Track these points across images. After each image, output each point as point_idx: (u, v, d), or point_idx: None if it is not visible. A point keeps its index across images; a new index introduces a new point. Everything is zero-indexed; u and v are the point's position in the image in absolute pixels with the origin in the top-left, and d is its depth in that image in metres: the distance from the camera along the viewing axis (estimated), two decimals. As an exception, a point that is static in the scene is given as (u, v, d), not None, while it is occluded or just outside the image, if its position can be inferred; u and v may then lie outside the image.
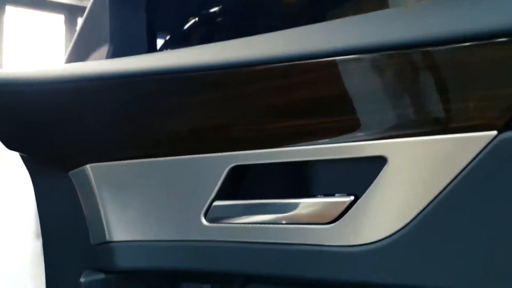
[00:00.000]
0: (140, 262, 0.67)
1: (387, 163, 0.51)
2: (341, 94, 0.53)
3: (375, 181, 0.51)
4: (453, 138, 0.48)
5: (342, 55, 0.52)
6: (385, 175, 0.51)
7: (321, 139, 0.55)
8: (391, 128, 0.51)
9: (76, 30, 0.91)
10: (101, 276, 0.70)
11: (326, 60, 0.53)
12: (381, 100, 0.52)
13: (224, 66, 0.60)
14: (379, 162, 0.52)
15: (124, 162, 0.69)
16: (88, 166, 0.72)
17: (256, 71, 0.58)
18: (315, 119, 0.55)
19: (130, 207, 0.68)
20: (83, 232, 0.74)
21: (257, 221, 0.60)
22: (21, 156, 0.84)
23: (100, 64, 0.69)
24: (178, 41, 0.91)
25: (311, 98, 0.55)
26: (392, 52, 0.50)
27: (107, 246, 0.69)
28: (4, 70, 0.73)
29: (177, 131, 0.64)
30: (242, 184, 0.64)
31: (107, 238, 0.69)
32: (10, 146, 0.78)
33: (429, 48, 0.48)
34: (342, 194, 0.55)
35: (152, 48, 0.82)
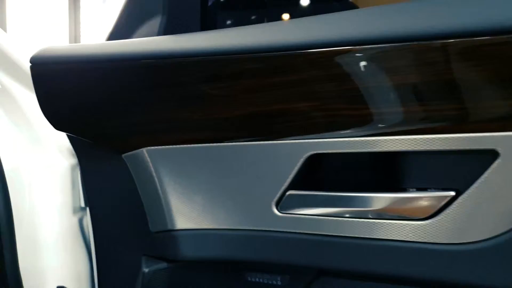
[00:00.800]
0: (205, 252, 0.64)
1: (499, 157, 0.46)
2: (449, 79, 0.47)
3: (483, 176, 0.46)
4: None
5: (437, 39, 0.46)
6: (496, 170, 0.46)
7: (420, 128, 0.50)
8: (506, 119, 0.46)
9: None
10: (164, 265, 0.67)
11: (431, 43, 0.47)
12: (493, 87, 0.46)
13: (301, 46, 0.54)
14: (487, 156, 0.47)
15: (186, 146, 0.65)
16: (145, 149, 0.67)
17: (341, 52, 0.52)
18: (414, 106, 0.50)
19: (194, 194, 0.64)
20: (139, 217, 0.71)
21: (337, 214, 0.56)
22: (68, 136, 0.80)
23: (161, 41, 0.63)
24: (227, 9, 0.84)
25: (407, 83, 0.50)
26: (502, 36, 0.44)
27: (169, 234, 0.65)
28: (55, 45, 0.68)
29: (248, 115, 0.59)
30: (319, 173, 0.60)
31: (169, 226, 0.65)
32: (58, 126, 0.74)
33: None
34: (438, 189, 0.50)
35: (205, 20, 0.76)
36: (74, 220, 0.94)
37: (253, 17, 0.84)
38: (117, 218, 0.75)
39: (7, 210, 0.84)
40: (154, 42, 0.64)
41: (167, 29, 0.73)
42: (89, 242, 0.95)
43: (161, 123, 0.65)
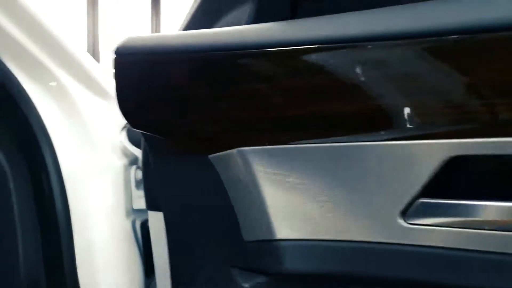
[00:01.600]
0: (312, 265, 0.57)
1: None
2: None
3: None
4: None
5: None
6: None
7: None
8: None
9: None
10: (262, 278, 0.60)
11: None
12: None
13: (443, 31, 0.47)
14: None
15: (289, 146, 0.57)
16: (238, 149, 0.60)
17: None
18: None
19: (299, 201, 0.57)
20: (227, 224, 0.64)
21: (484, 226, 0.48)
22: (144, 135, 0.73)
23: (262, 30, 0.56)
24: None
25: None
26: None
27: (268, 245, 0.58)
28: (141, 35, 0.61)
29: (367, 110, 0.52)
30: (456, 179, 0.52)
31: (268, 235, 0.58)
32: (137, 124, 0.67)
33: None
34: None
35: (296, 7, 0.69)
36: (127, 223, 0.89)
37: (343, 4, 0.76)
38: (198, 224, 0.68)
39: (65, 210, 0.81)
40: (253, 30, 0.57)
41: (257, 18, 0.66)
42: (141, 245, 0.90)
43: (259, 120, 0.58)
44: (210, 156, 0.64)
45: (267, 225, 0.58)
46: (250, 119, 0.59)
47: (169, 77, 0.59)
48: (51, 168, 0.83)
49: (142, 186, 0.90)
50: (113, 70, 0.62)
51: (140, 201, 0.89)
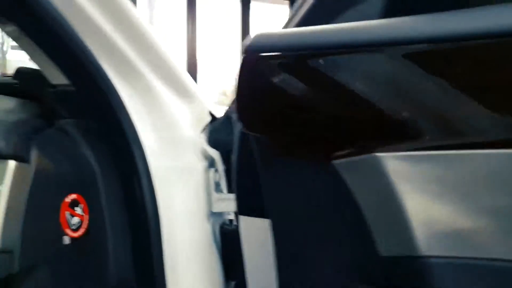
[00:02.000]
0: (465, 286, 0.51)
1: None
2: None
3: None
4: None
5: None
6: None
7: None
8: None
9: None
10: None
11: None
12: None
13: None
14: None
15: (434, 152, 0.52)
16: (371, 155, 0.54)
17: None
18: None
19: (453, 213, 0.51)
20: (354, 236, 0.59)
21: None
22: (255, 138, 0.69)
23: (416, 22, 0.51)
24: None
25: None
26: None
27: (412, 261, 0.53)
28: (274, 30, 0.57)
29: None
30: None
31: (413, 251, 0.53)
32: (255, 127, 0.63)
33: None
34: None
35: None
36: (208, 226, 0.87)
37: None
38: (320, 236, 0.63)
39: (155, 213, 0.79)
40: (415, 22, 0.51)
41: (390, 10, 0.61)
42: (220, 249, 0.87)
43: (397, 123, 0.53)
44: (335, 162, 0.58)
45: (412, 239, 0.52)
46: (390, 122, 0.53)
47: (306, 77, 0.54)
48: (141, 170, 0.81)
49: (220, 189, 0.88)
50: (239, 69, 0.57)
51: (219, 204, 0.87)
